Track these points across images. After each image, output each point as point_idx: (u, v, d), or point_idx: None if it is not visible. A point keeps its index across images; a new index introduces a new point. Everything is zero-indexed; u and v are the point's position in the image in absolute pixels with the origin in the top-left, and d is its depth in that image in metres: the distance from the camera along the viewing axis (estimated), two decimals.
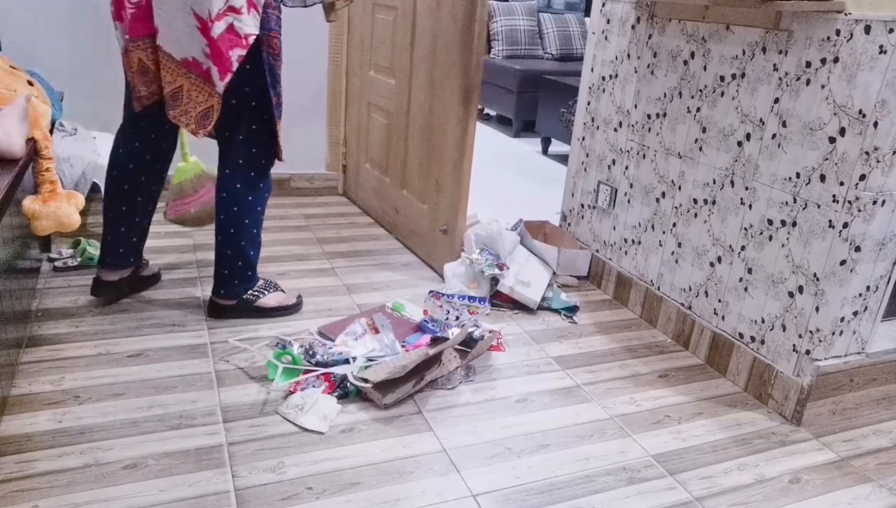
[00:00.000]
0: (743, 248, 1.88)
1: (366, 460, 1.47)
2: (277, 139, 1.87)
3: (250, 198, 1.89)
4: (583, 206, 2.59)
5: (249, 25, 1.66)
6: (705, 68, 1.96)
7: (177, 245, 2.49)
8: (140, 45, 1.71)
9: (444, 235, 2.41)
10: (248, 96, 1.79)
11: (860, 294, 1.71)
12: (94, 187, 2.38)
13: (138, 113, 1.83)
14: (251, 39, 1.67)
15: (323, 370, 1.71)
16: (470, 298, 2.19)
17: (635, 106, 2.26)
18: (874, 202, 1.59)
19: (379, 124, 2.88)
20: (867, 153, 1.55)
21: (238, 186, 1.87)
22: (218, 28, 1.62)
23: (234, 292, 1.98)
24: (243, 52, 1.66)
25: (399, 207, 2.75)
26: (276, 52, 1.78)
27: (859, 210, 1.59)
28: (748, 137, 1.84)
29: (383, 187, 2.90)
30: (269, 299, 2.02)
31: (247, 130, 1.84)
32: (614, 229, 2.41)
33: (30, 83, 1.91)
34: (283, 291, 2.09)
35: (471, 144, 2.25)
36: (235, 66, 1.67)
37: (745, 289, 1.88)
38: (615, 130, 2.37)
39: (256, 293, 2.01)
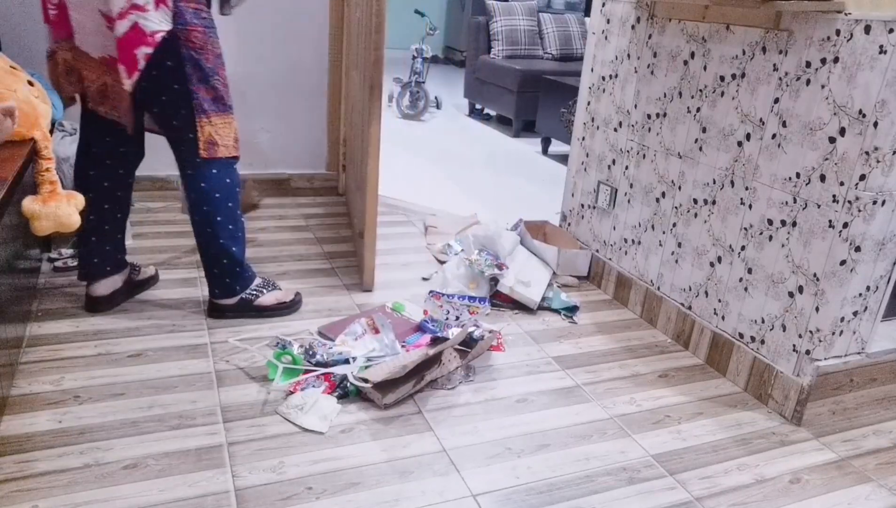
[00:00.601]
0: (743, 248, 1.88)
1: (366, 460, 1.47)
2: (198, 133, 1.78)
3: (218, 195, 1.86)
4: (583, 206, 2.59)
5: (156, 22, 1.62)
6: (705, 68, 1.96)
7: (176, 245, 2.49)
8: (63, 46, 1.73)
9: (361, 239, 2.27)
10: (180, 93, 1.74)
11: (860, 294, 1.71)
12: None
13: (93, 121, 1.84)
14: (158, 37, 1.63)
15: (323, 370, 1.71)
16: (470, 298, 2.19)
17: (635, 106, 2.26)
18: (874, 202, 1.59)
19: (354, 123, 2.77)
20: (867, 153, 1.55)
21: (203, 185, 1.84)
22: (121, 27, 1.60)
23: (230, 289, 1.97)
24: (150, 50, 1.62)
25: (357, 209, 2.62)
26: (199, 46, 1.71)
27: (859, 210, 1.58)
28: (748, 137, 1.84)
29: (351, 189, 2.82)
30: (268, 298, 2.02)
31: (195, 127, 1.78)
32: (614, 229, 2.41)
33: (30, 83, 1.90)
34: (280, 289, 2.09)
35: (376, 142, 2.09)
36: (142, 64, 1.63)
37: (745, 289, 1.88)
38: (615, 130, 2.37)
39: (255, 293, 2.01)
